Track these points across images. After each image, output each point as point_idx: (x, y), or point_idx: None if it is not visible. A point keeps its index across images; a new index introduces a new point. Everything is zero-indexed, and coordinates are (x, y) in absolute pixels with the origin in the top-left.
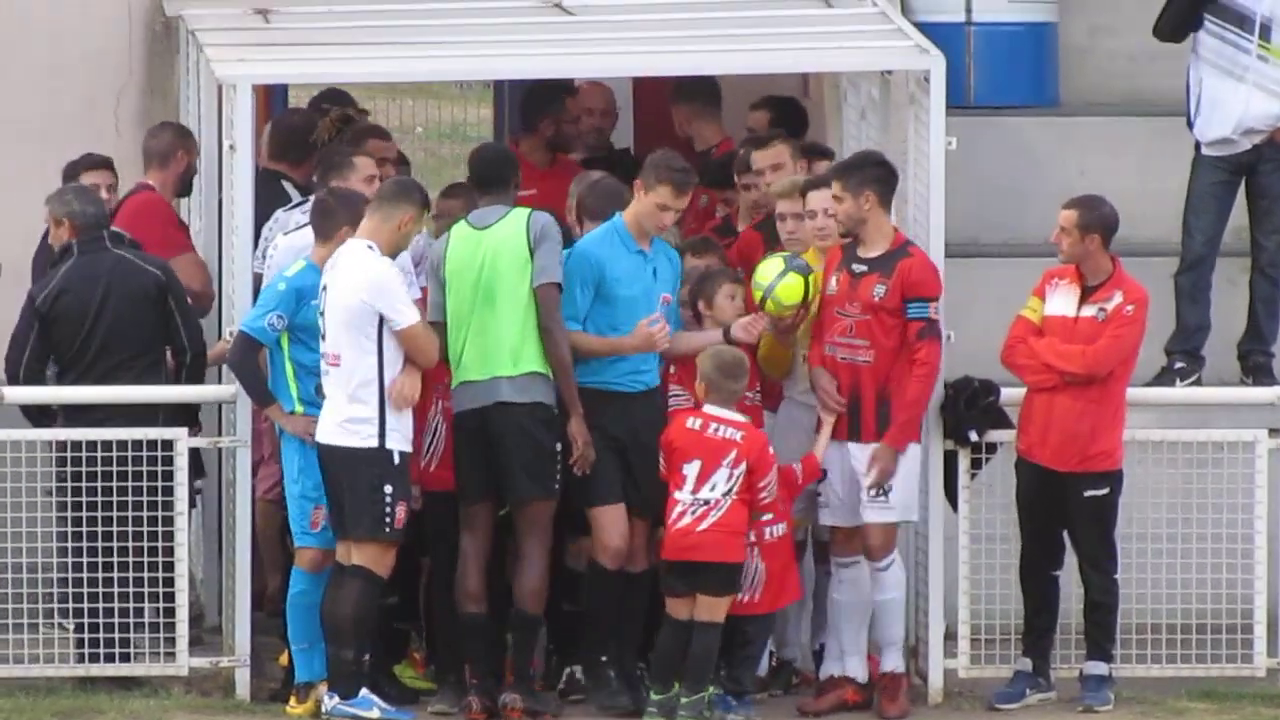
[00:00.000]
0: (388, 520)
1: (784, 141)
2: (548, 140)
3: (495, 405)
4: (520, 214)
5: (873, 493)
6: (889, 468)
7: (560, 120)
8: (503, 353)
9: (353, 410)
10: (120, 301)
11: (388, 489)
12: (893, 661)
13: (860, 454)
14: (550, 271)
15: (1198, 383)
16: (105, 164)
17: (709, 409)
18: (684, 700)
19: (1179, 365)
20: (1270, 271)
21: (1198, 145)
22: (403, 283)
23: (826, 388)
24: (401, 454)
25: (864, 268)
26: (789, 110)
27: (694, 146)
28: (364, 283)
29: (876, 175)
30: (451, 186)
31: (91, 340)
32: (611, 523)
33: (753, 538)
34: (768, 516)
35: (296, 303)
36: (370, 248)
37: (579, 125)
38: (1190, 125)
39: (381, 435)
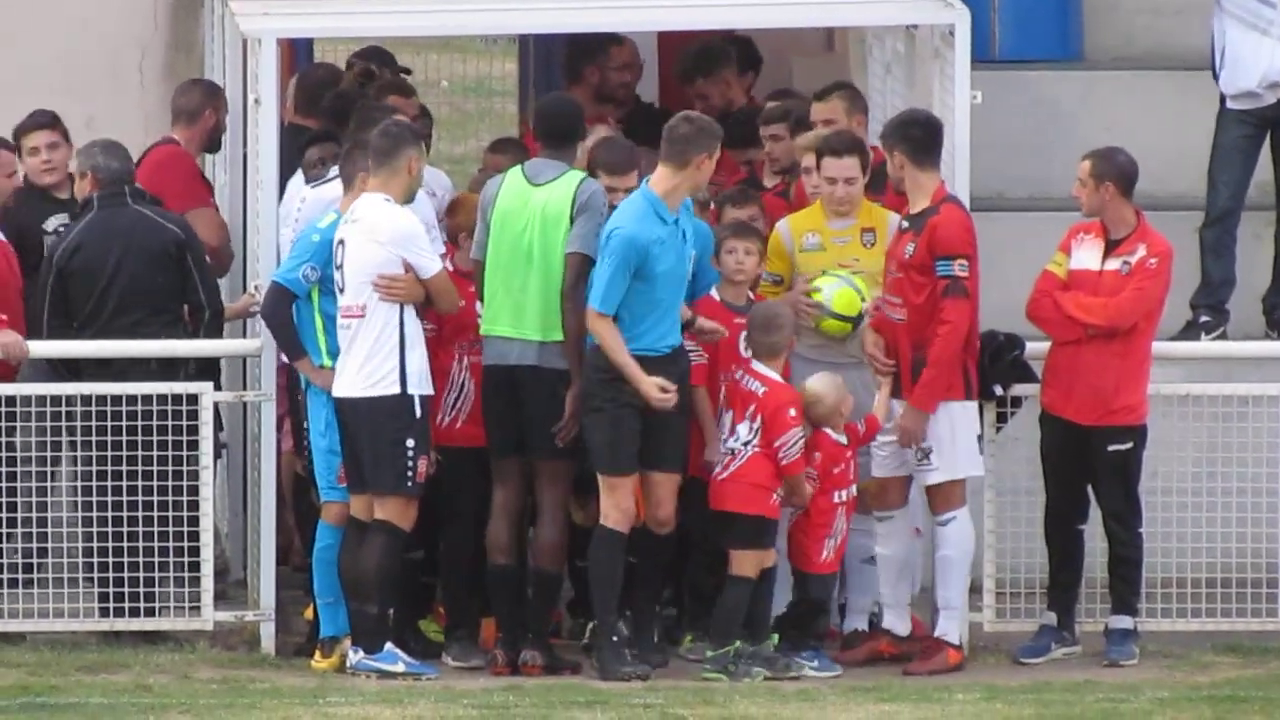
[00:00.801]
0: (410, 474)
1: (842, 97)
2: (595, 90)
3: (524, 368)
4: (573, 178)
5: (918, 455)
6: (913, 428)
7: (605, 69)
8: (536, 316)
9: (374, 361)
10: (137, 258)
11: (409, 442)
12: (943, 627)
13: (899, 410)
14: (583, 242)
15: (1223, 336)
16: (49, 124)
17: (751, 362)
18: (709, 653)
19: (1204, 319)
20: None
21: (1223, 99)
22: (425, 232)
23: (873, 351)
24: (423, 401)
25: (906, 224)
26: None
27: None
28: (388, 233)
29: (905, 135)
30: (499, 141)
31: (108, 297)
32: (669, 492)
33: (839, 498)
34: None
35: (329, 254)
36: (387, 200)
37: (623, 75)
38: (1215, 78)
39: (403, 381)
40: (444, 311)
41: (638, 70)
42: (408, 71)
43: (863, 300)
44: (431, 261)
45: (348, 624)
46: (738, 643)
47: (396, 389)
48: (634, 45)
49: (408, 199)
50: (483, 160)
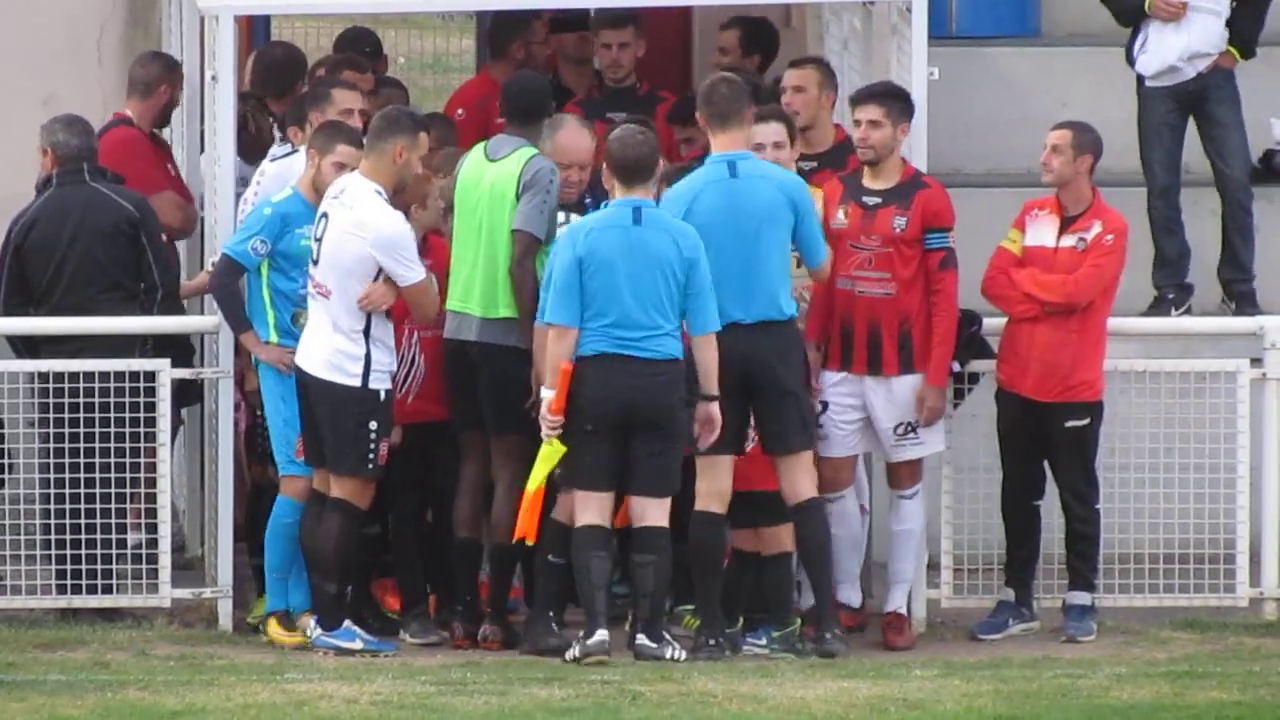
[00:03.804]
0: (371, 457)
1: (817, 68)
2: (519, 64)
3: (470, 343)
4: (522, 155)
5: (900, 431)
6: (939, 405)
7: (530, 43)
8: (478, 291)
9: (340, 346)
10: (90, 235)
11: (372, 425)
12: (897, 601)
13: (877, 388)
14: (527, 219)
15: (1189, 311)
16: None
17: None
18: (775, 633)
19: (1171, 295)
20: (1241, 198)
21: (1140, 79)
22: (411, 237)
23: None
24: (386, 391)
25: (877, 199)
26: (760, 30)
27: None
28: (374, 235)
29: (910, 109)
30: (427, 115)
31: (61, 273)
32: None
33: None
34: None
35: (281, 229)
36: (378, 192)
37: (546, 49)
38: (1131, 62)
39: (365, 375)
40: (420, 320)
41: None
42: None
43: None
44: (412, 271)
45: (301, 599)
46: (799, 620)
47: (359, 381)
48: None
49: (398, 188)
50: None
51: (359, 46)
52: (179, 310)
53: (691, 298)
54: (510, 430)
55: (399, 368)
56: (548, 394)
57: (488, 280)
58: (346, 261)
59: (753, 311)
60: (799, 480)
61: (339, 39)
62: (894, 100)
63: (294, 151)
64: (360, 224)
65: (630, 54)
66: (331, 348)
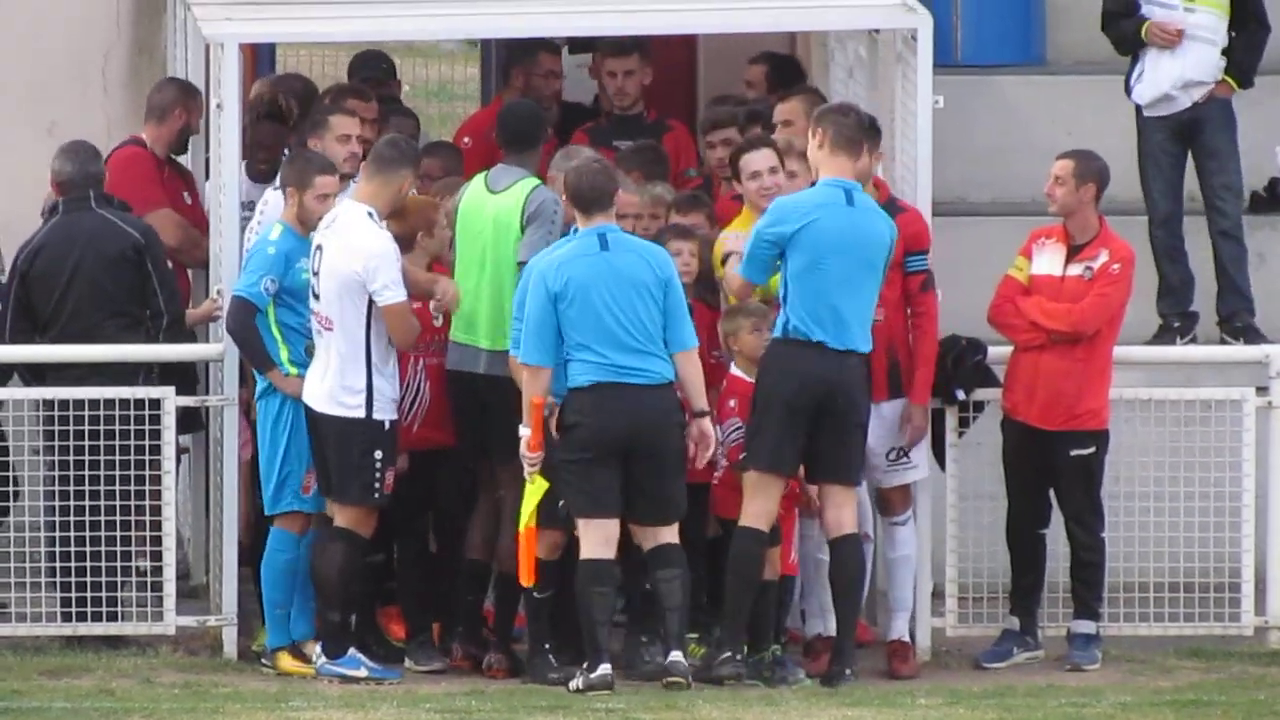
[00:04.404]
0: (376, 486)
1: (803, 99)
2: (519, 93)
3: (481, 375)
4: (525, 186)
5: (892, 456)
6: (923, 425)
7: (530, 73)
8: (485, 323)
9: (342, 379)
10: (95, 262)
11: (377, 454)
12: (899, 629)
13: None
14: (532, 250)
15: (1194, 340)
16: None
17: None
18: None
19: (1176, 324)
20: (1233, 231)
21: (1139, 109)
22: (396, 258)
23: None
24: (391, 421)
25: None
26: (786, 67)
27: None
28: (360, 253)
29: (877, 136)
30: (431, 145)
31: (66, 300)
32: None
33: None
34: None
35: (285, 267)
36: (370, 215)
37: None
38: (1128, 92)
39: (369, 406)
40: (400, 345)
41: (561, 78)
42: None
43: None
44: (390, 291)
45: (305, 628)
46: (775, 648)
47: (362, 414)
48: (559, 54)
49: (393, 214)
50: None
51: (374, 66)
52: (186, 337)
53: (669, 316)
54: (517, 459)
55: (404, 395)
56: (525, 432)
57: (494, 312)
58: (341, 288)
59: (844, 339)
60: (845, 513)
61: (354, 60)
62: (871, 131)
63: None
64: (349, 248)
65: (636, 81)
66: (334, 381)
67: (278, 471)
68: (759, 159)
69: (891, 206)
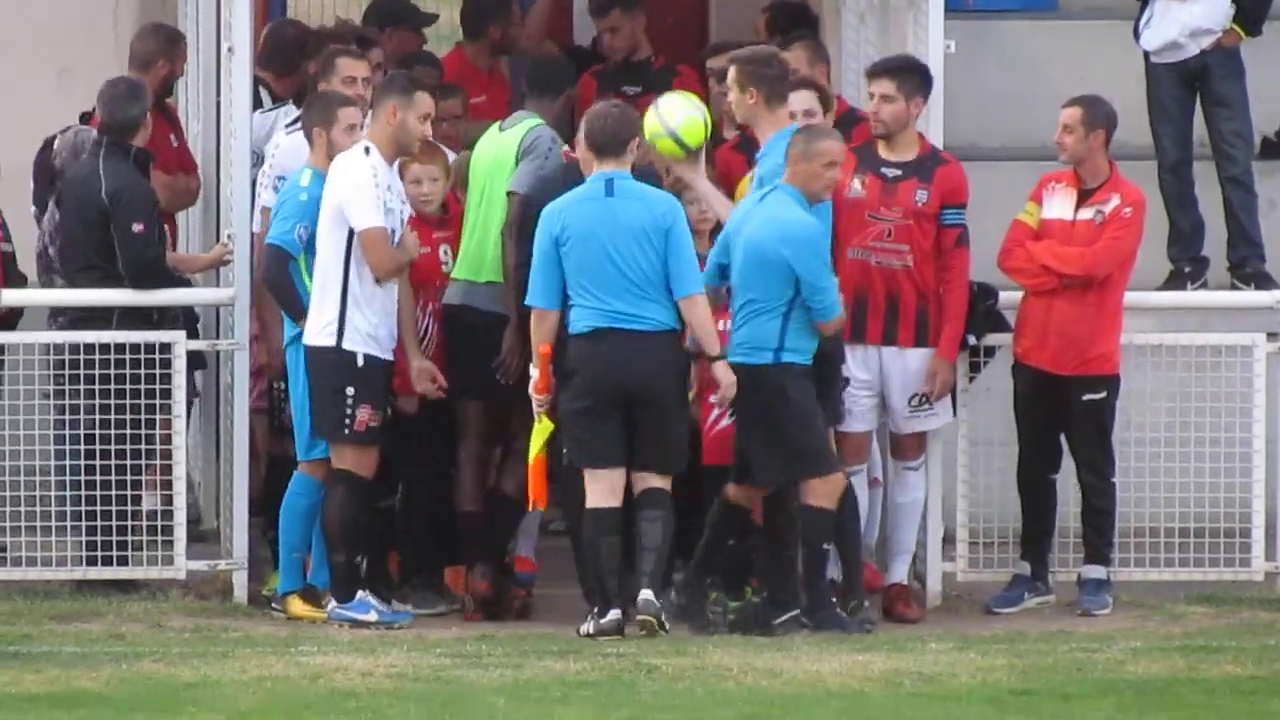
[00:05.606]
0: (347, 422)
1: (804, 47)
2: (495, 47)
3: (453, 306)
4: (527, 124)
5: (914, 403)
6: (950, 379)
7: (507, 25)
8: (479, 258)
9: (318, 309)
10: (73, 214)
11: (349, 390)
12: (899, 573)
13: (894, 359)
14: (521, 181)
15: (1205, 285)
16: None
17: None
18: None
19: (1187, 269)
20: (1243, 178)
21: (1147, 55)
22: (373, 186)
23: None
24: (367, 356)
25: (898, 172)
26: (788, 12)
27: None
28: (340, 182)
29: (926, 83)
30: (446, 85)
31: (53, 245)
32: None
33: None
34: None
35: (318, 211)
36: (368, 150)
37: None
38: (1136, 37)
39: (339, 335)
40: (373, 272)
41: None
42: (434, 17)
43: (707, 135)
44: (361, 217)
45: (324, 579)
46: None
47: (332, 341)
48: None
49: (399, 149)
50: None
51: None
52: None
53: (671, 262)
54: (497, 396)
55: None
56: (534, 373)
57: (478, 245)
58: (328, 220)
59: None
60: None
61: (369, 9)
62: (908, 74)
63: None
64: (332, 182)
65: (623, 37)
66: (313, 312)
67: (309, 417)
68: (796, 100)
69: (935, 158)
